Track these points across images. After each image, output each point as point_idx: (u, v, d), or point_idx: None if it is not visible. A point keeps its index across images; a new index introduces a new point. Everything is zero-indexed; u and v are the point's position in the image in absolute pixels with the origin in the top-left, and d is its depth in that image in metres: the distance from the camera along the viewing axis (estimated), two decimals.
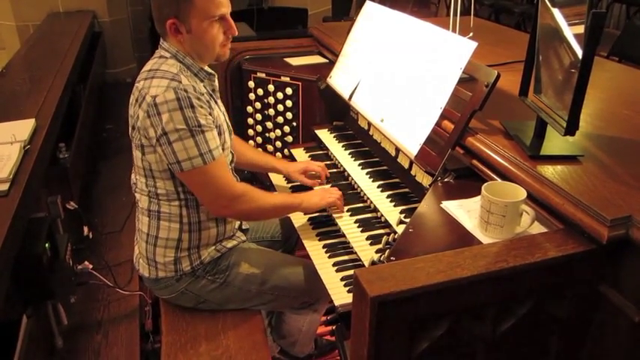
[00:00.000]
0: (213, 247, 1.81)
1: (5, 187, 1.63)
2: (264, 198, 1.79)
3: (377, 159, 2.13)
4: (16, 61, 3.19)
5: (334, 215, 1.91)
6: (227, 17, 1.67)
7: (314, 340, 2.28)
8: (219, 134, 1.69)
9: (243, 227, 2.01)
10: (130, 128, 1.68)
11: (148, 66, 1.67)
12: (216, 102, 1.76)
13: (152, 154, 1.64)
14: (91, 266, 2.08)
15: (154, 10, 1.65)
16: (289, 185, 2.19)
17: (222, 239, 1.83)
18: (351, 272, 1.70)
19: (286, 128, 2.54)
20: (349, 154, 2.20)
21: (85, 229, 2.37)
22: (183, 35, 1.63)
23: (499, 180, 1.43)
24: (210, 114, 1.64)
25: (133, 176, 1.81)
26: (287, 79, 2.46)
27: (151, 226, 1.75)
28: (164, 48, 1.68)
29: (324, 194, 1.92)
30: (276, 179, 2.25)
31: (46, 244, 1.67)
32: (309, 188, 2.08)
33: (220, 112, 1.76)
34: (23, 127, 1.99)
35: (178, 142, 1.56)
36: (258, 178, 2.55)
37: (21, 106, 2.31)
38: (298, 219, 1.99)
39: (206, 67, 1.73)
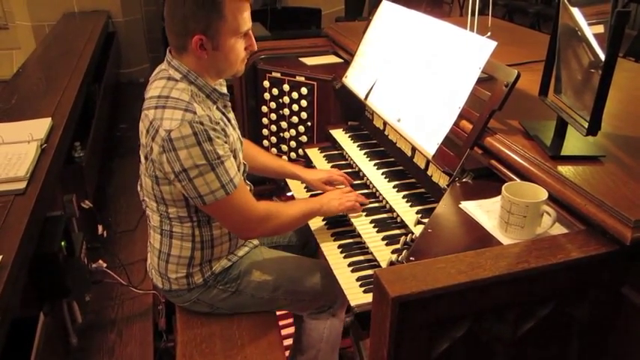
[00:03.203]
0: (225, 258, 1.79)
1: (23, 185, 1.63)
2: (286, 211, 1.76)
3: (392, 159, 2.11)
4: (32, 60, 3.21)
5: (349, 215, 1.89)
6: (250, 32, 1.62)
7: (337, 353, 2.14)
8: (235, 157, 1.64)
9: None
10: (143, 158, 1.64)
11: (156, 90, 1.57)
12: (229, 120, 1.71)
13: (167, 185, 1.60)
14: (105, 265, 2.09)
15: (174, 24, 1.54)
16: (303, 185, 2.18)
17: (234, 249, 1.82)
18: (366, 272, 1.69)
19: (301, 128, 2.54)
20: (364, 154, 2.18)
21: (100, 227, 2.38)
22: (208, 52, 1.55)
23: (518, 180, 1.41)
24: (226, 142, 1.58)
25: (140, 194, 1.77)
26: (302, 79, 2.46)
27: (163, 244, 1.73)
28: (174, 67, 1.58)
29: (343, 198, 1.88)
30: (292, 182, 2.23)
31: (62, 243, 1.67)
32: None
33: (234, 131, 1.71)
34: (40, 126, 2.00)
35: (199, 177, 1.51)
36: (271, 178, 2.54)
37: (37, 105, 2.33)
38: (313, 220, 1.97)
39: (219, 85, 1.67)
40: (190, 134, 1.48)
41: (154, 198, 1.67)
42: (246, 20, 1.57)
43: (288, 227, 1.84)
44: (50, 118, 2.08)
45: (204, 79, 1.60)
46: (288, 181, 2.23)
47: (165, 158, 1.51)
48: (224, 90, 1.71)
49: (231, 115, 1.76)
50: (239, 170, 1.67)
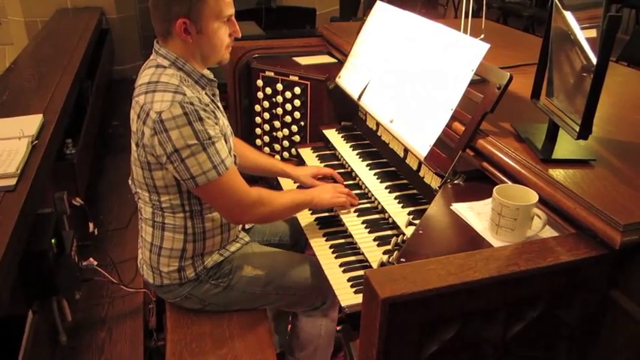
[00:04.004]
0: (217, 252, 1.79)
1: (13, 182, 1.62)
2: (278, 199, 1.77)
3: (385, 160, 2.12)
4: (24, 56, 3.20)
5: (341, 215, 1.90)
6: (233, 19, 1.65)
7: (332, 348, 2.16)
8: (226, 142, 1.65)
9: (247, 227, 2.00)
10: (134, 145, 1.64)
11: (145, 77, 1.59)
12: (218, 107, 1.73)
13: (159, 170, 1.61)
14: (95, 263, 2.07)
15: (159, 10, 1.58)
16: (296, 184, 2.18)
17: (226, 244, 1.82)
18: (358, 273, 1.69)
19: (294, 127, 2.54)
20: (357, 154, 2.19)
21: (91, 225, 2.37)
22: (192, 36, 1.58)
23: (510, 183, 1.42)
24: (216, 123, 1.60)
25: (132, 186, 1.78)
26: (296, 79, 2.45)
27: (155, 236, 1.73)
28: (161, 55, 1.61)
29: (335, 192, 1.90)
30: (284, 181, 2.24)
31: (52, 240, 1.66)
32: None
33: (223, 117, 1.73)
34: (31, 123, 1.99)
35: (191, 157, 1.52)
36: (264, 177, 2.54)
37: (29, 101, 2.31)
38: (305, 219, 1.98)
39: (206, 73, 1.69)
40: (181, 114, 1.50)
41: (146, 187, 1.67)
42: (228, 5, 1.60)
43: (278, 215, 1.85)
44: (42, 115, 2.07)
45: (192, 65, 1.63)
46: (280, 179, 2.23)
47: (157, 140, 1.52)
48: (212, 77, 1.73)
49: (220, 105, 1.77)
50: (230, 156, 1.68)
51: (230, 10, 1.62)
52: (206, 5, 1.55)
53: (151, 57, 1.66)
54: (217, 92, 1.78)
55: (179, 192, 1.66)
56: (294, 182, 2.17)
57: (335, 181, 2.10)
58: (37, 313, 1.54)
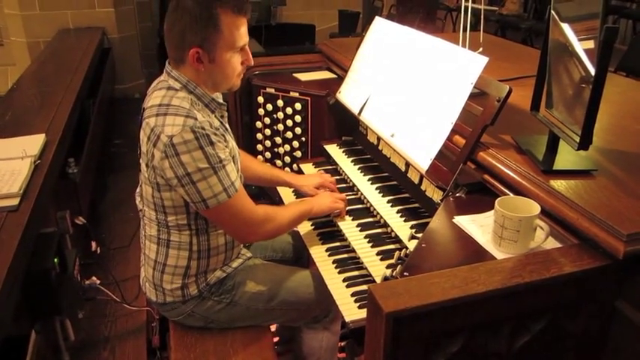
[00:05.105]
0: (220, 269, 1.79)
1: (16, 201, 1.63)
2: (282, 213, 1.78)
3: (386, 174, 2.12)
4: (27, 76, 3.22)
5: (344, 230, 1.89)
6: (246, 48, 1.65)
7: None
8: (234, 163, 1.67)
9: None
10: (144, 165, 1.65)
11: (156, 99, 1.59)
12: (227, 130, 1.74)
13: (168, 191, 1.61)
14: (98, 282, 2.07)
15: (172, 37, 1.58)
16: (292, 191, 2.22)
17: (229, 262, 1.82)
18: (361, 288, 1.68)
19: (295, 143, 2.55)
20: (358, 169, 2.19)
21: (93, 244, 2.37)
22: (204, 65, 1.58)
23: (511, 195, 1.42)
24: (226, 146, 1.62)
25: (139, 204, 1.78)
26: (296, 95, 2.47)
27: (159, 253, 1.73)
28: (173, 77, 1.61)
29: (333, 198, 1.95)
30: (285, 195, 2.25)
31: (55, 260, 1.66)
32: None
33: (232, 140, 1.74)
34: (33, 142, 2.00)
35: (202, 181, 1.53)
36: (267, 193, 2.55)
37: (31, 121, 2.33)
38: (308, 234, 1.98)
39: (216, 96, 1.69)
40: (192, 139, 1.50)
41: (153, 207, 1.68)
42: (242, 35, 1.60)
43: (285, 229, 1.86)
44: (44, 134, 2.08)
45: (203, 90, 1.64)
46: (278, 188, 2.25)
47: (168, 164, 1.53)
48: (221, 100, 1.74)
49: (228, 127, 1.78)
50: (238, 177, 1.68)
51: (244, 40, 1.62)
52: (220, 36, 1.55)
53: (162, 77, 1.66)
54: (226, 115, 1.79)
55: (187, 212, 1.66)
56: (292, 191, 2.20)
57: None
58: (39, 332, 1.54)
